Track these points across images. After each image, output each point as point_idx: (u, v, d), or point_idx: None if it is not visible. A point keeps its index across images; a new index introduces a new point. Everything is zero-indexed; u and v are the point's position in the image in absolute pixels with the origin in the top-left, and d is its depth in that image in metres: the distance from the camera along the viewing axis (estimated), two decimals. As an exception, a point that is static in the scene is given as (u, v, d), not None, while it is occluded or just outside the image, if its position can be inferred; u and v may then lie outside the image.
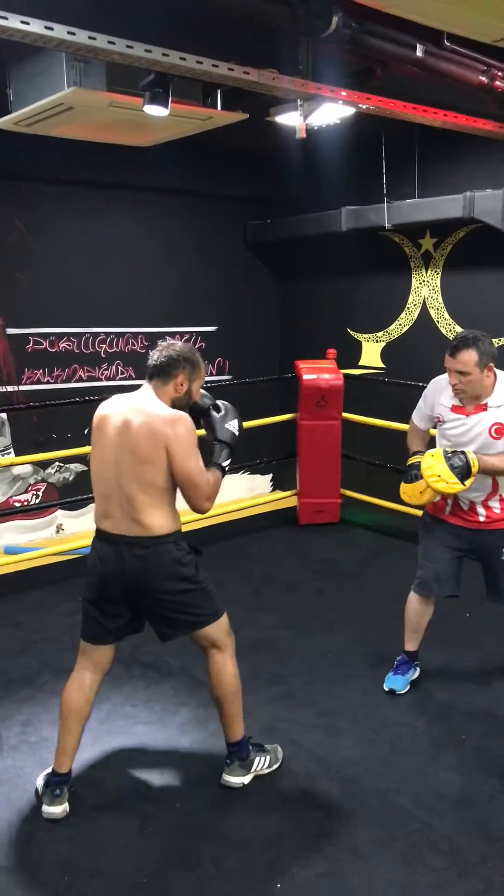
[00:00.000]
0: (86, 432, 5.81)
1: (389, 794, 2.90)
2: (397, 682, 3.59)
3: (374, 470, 5.95)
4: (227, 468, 2.72)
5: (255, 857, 2.59)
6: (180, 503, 2.66)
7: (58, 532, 6.07)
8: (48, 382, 5.87)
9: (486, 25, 2.69)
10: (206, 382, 6.78)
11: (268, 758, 3.01)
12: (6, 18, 2.33)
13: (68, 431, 5.82)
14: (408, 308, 6.09)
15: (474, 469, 3.03)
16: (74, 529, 6.07)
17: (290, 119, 3.82)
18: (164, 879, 2.50)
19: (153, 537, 2.61)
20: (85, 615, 2.81)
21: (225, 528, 5.97)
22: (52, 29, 2.41)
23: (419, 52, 2.88)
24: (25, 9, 2.38)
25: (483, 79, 3.13)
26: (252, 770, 2.95)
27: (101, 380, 6.09)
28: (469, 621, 4.31)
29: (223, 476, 2.71)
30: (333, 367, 5.92)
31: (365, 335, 6.43)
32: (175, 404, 2.66)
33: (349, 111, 3.62)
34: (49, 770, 2.84)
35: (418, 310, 6.01)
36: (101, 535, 2.70)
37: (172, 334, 6.39)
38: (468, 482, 3.04)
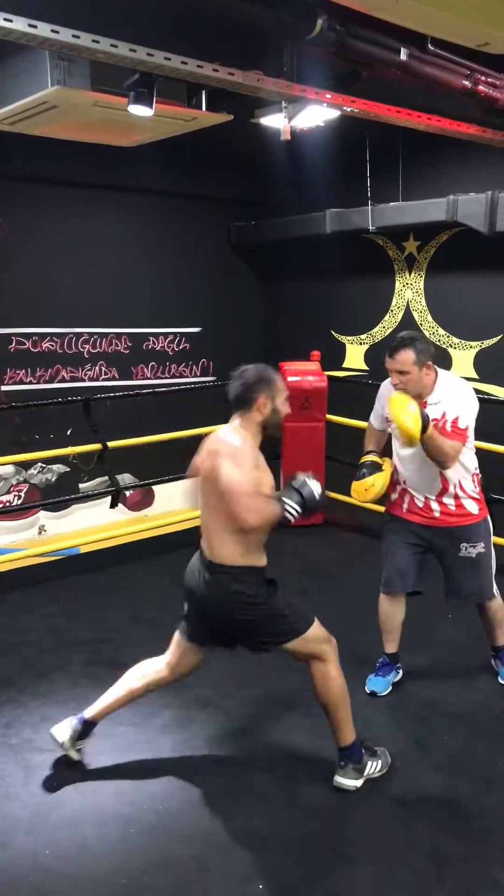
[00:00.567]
0: (70, 433, 5.81)
1: (372, 796, 2.90)
2: (378, 685, 3.61)
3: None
4: (287, 509, 2.67)
5: (237, 859, 2.58)
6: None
7: (40, 533, 6.04)
8: (31, 383, 5.84)
9: (468, 30, 2.71)
10: (192, 384, 6.77)
11: (379, 762, 3.01)
12: (-11, 16, 2.31)
13: (51, 432, 5.79)
14: (391, 311, 6.11)
15: (429, 430, 3.04)
16: (57, 531, 6.05)
17: (274, 121, 3.82)
18: (145, 882, 2.49)
19: (219, 565, 2.72)
20: (184, 609, 2.94)
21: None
22: (35, 27, 2.39)
23: (403, 56, 2.89)
24: (9, 6, 2.36)
25: (466, 83, 3.15)
26: (365, 774, 2.96)
27: (84, 380, 6.07)
28: (450, 623, 4.33)
29: (281, 513, 2.65)
30: (317, 368, 5.93)
31: (349, 337, 6.45)
32: (267, 425, 2.76)
33: (334, 114, 3.63)
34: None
35: (402, 312, 6.04)
36: (198, 551, 2.88)
37: (157, 335, 6.42)
38: (417, 437, 3.02)
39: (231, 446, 2.66)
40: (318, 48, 2.77)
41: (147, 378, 6.37)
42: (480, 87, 3.20)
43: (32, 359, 5.81)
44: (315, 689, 2.88)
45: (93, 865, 2.55)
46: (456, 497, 3.36)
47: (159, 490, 6.31)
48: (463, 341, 5.64)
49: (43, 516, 6.04)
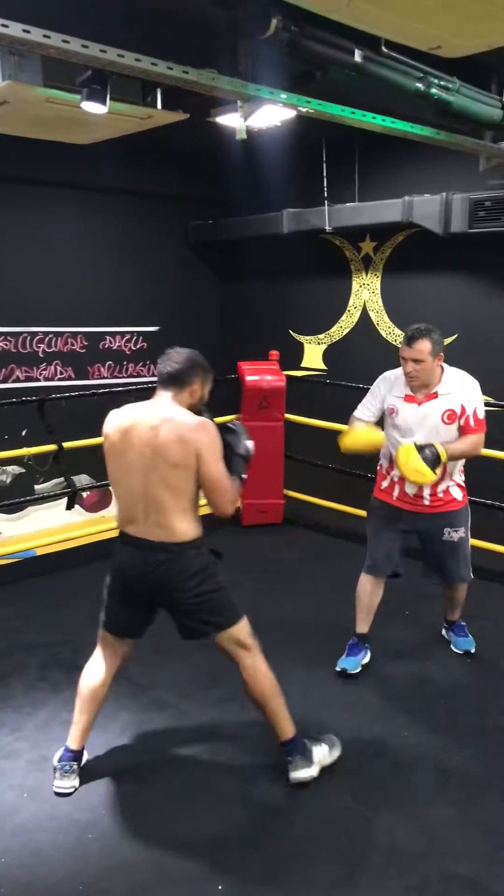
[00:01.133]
0: (25, 434, 5.72)
1: (330, 792, 2.92)
2: (349, 663, 3.73)
3: (316, 470, 5.99)
4: (243, 479, 2.82)
5: (196, 860, 2.57)
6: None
7: (-5, 536, 5.94)
8: (-16, 382, 5.74)
9: (421, 33, 2.74)
10: (150, 384, 6.75)
11: (326, 747, 3.03)
12: None
13: (5, 433, 5.70)
14: (349, 311, 6.15)
15: (443, 459, 3.29)
16: (12, 533, 5.95)
17: (230, 120, 3.82)
18: (102, 887, 2.46)
19: (178, 543, 2.71)
20: (106, 608, 2.93)
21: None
22: (-15, 21, 2.34)
23: (357, 58, 2.90)
24: (-43, -1, 2.31)
25: (420, 85, 3.18)
26: (316, 761, 2.95)
27: (39, 380, 5.99)
28: (405, 620, 4.38)
29: (240, 486, 2.80)
30: (276, 368, 5.94)
31: (307, 337, 6.47)
32: (191, 410, 2.76)
33: (290, 114, 3.64)
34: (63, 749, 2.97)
35: (359, 312, 6.08)
36: (125, 539, 2.81)
37: (113, 334, 6.37)
38: (438, 470, 3.32)
39: (204, 432, 2.66)
40: (273, 48, 2.77)
41: (104, 377, 6.30)
42: (433, 90, 3.24)
43: (-14, 358, 5.72)
44: (246, 684, 2.90)
45: (48, 872, 2.52)
46: (446, 486, 3.56)
47: (117, 491, 6.26)
48: (419, 341, 5.69)
49: (-2, 518, 5.95)
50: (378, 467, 3.78)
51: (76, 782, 2.92)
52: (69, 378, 6.08)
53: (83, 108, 3.05)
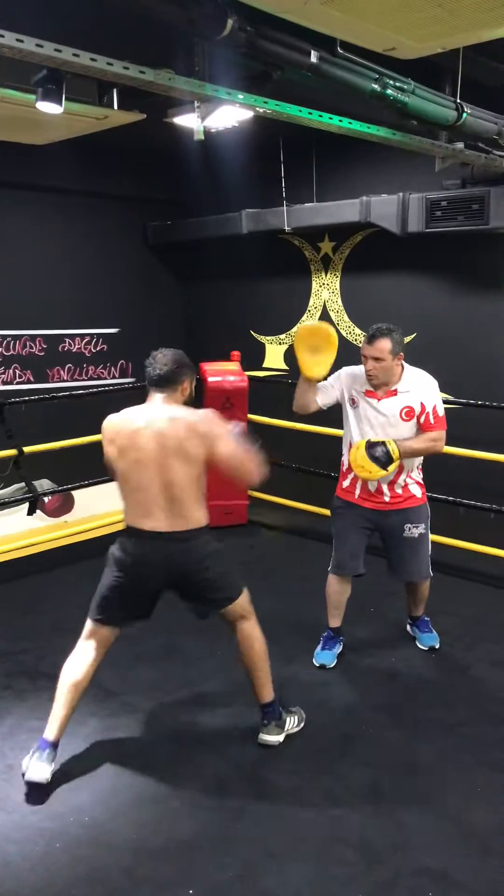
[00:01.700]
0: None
1: (301, 791, 2.92)
2: (326, 657, 3.84)
3: (279, 471, 5.99)
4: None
5: (167, 865, 2.56)
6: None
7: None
8: None
9: (376, 35, 2.76)
10: (111, 386, 6.67)
11: (296, 717, 3.30)
12: None
13: (-36, 438, 5.59)
14: (309, 311, 6.18)
15: (395, 456, 3.42)
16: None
17: (187, 121, 3.80)
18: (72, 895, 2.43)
19: (194, 530, 2.91)
20: (104, 600, 3.00)
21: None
22: None
23: (314, 58, 2.91)
24: None
25: (375, 86, 3.20)
26: (285, 729, 3.22)
27: (-3, 384, 5.90)
28: (373, 613, 4.42)
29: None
30: (238, 369, 5.94)
31: (268, 337, 6.49)
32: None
33: (247, 114, 3.64)
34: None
35: (319, 312, 6.11)
36: (140, 533, 2.92)
37: (73, 336, 6.30)
38: (391, 468, 3.44)
39: (213, 421, 2.87)
40: (229, 49, 2.77)
41: (64, 380, 6.23)
42: (389, 91, 3.27)
43: None
44: (240, 648, 3.12)
45: (17, 884, 2.48)
46: (405, 483, 3.66)
47: (79, 495, 6.19)
48: (379, 340, 5.74)
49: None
50: (341, 465, 3.83)
51: (49, 774, 2.90)
52: (28, 381, 6.00)
53: (38, 109, 3.02)
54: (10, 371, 5.96)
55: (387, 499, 3.66)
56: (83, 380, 6.37)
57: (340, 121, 3.42)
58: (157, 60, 2.83)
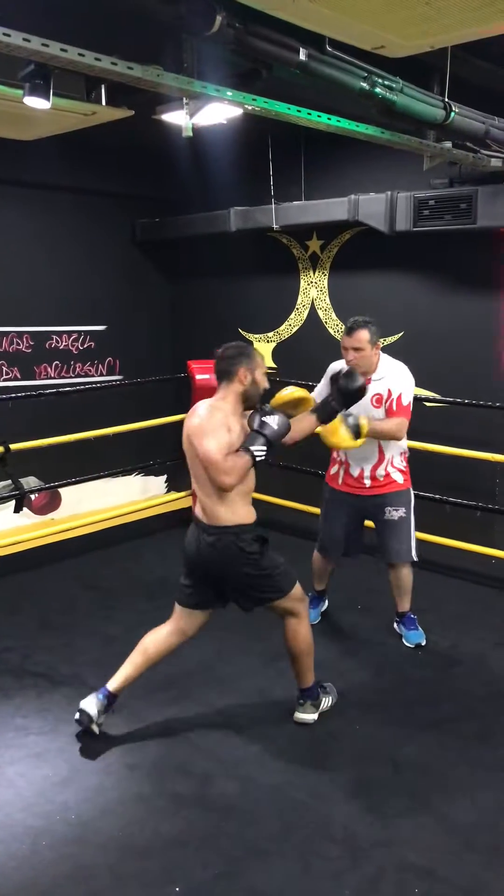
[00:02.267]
0: None
1: (286, 787, 2.93)
2: (311, 614, 3.94)
3: (267, 468, 5.99)
4: (256, 454, 2.95)
5: (152, 863, 2.56)
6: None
7: None
8: None
9: (364, 33, 2.76)
10: (98, 384, 6.65)
11: (330, 697, 3.45)
12: None
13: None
14: (297, 309, 6.18)
15: (363, 431, 3.55)
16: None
17: (176, 118, 3.79)
18: (58, 895, 2.42)
19: (218, 527, 3.01)
20: (181, 582, 3.19)
21: (119, 531, 5.87)
22: None
23: (302, 56, 2.91)
24: None
25: (364, 84, 3.21)
26: (320, 708, 3.38)
27: (-17, 381, 5.87)
28: (360, 610, 4.43)
29: (253, 461, 2.95)
30: (225, 366, 5.92)
31: (256, 335, 6.48)
32: (247, 396, 3.02)
33: (236, 111, 3.63)
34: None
35: (307, 310, 6.12)
36: (193, 519, 3.14)
37: (60, 333, 6.27)
38: (359, 441, 3.57)
39: (199, 418, 2.97)
40: (218, 45, 2.76)
41: (51, 377, 6.20)
42: (378, 89, 3.27)
43: None
44: (286, 640, 3.24)
45: (2, 882, 2.47)
46: (386, 471, 3.89)
47: (66, 493, 6.18)
48: (366, 338, 5.75)
49: None
50: (332, 451, 4.04)
51: (96, 711, 3.15)
52: (15, 378, 5.97)
53: (25, 104, 3.00)
54: (-3, 368, 5.93)
55: (367, 484, 3.91)
56: (70, 377, 6.34)
57: (329, 118, 3.42)
58: (145, 57, 2.82)
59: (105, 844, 2.64)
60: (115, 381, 6.60)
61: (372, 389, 3.76)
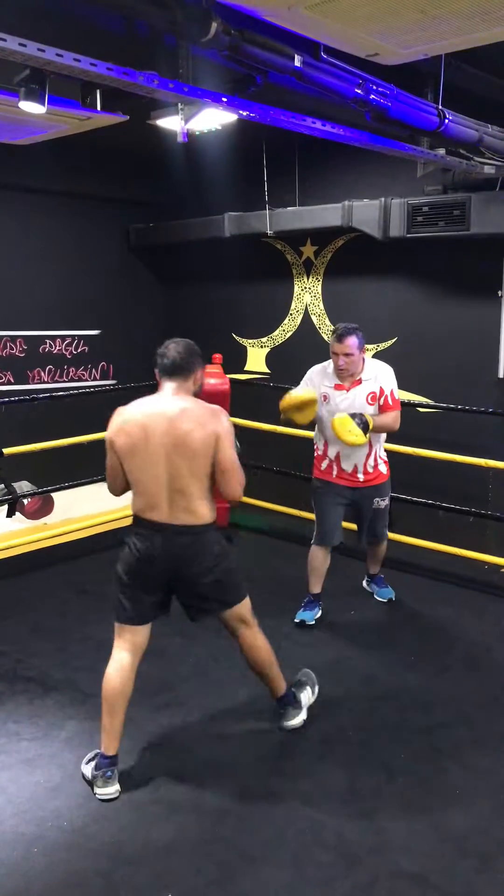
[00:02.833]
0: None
1: (279, 794, 2.92)
2: (307, 615, 4.31)
3: (260, 474, 6.00)
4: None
5: (145, 870, 2.54)
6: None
7: None
8: None
9: (359, 40, 2.77)
10: (92, 388, 6.64)
11: (308, 689, 3.43)
12: None
13: None
14: (291, 314, 6.19)
15: (370, 426, 3.91)
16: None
17: (170, 123, 3.79)
18: (50, 901, 2.41)
19: (200, 525, 2.91)
20: (122, 600, 2.98)
21: (112, 536, 5.85)
22: None
23: (297, 63, 2.92)
24: None
25: (359, 91, 3.22)
26: (304, 706, 3.35)
27: (-23, 385, 5.85)
28: (353, 615, 4.43)
29: None
30: (219, 371, 5.92)
31: (250, 340, 6.49)
32: (194, 396, 2.97)
33: (231, 117, 3.64)
34: (93, 755, 3.00)
35: (301, 316, 6.13)
36: (146, 524, 2.91)
37: (53, 338, 6.26)
38: (368, 436, 3.92)
39: (219, 422, 2.87)
40: (214, 51, 2.77)
41: (44, 382, 6.19)
42: (372, 96, 3.28)
43: None
44: (247, 654, 3.16)
45: (-7, 889, 2.45)
46: (375, 463, 4.19)
47: (59, 497, 6.16)
48: (360, 344, 5.77)
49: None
50: (315, 450, 4.30)
51: (118, 787, 2.90)
52: (8, 382, 5.96)
53: (21, 109, 3.00)
54: (-10, 372, 5.92)
55: (361, 477, 4.18)
56: (64, 381, 6.34)
57: (323, 125, 3.43)
58: (141, 62, 2.82)
59: (97, 851, 2.63)
60: (109, 385, 6.59)
61: (365, 389, 4.07)
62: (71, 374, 6.39)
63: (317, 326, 6.02)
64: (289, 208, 5.70)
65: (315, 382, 4.17)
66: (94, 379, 6.55)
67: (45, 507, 6.27)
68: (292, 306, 6.17)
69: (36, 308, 6.09)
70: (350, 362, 4.00)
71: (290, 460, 5.75)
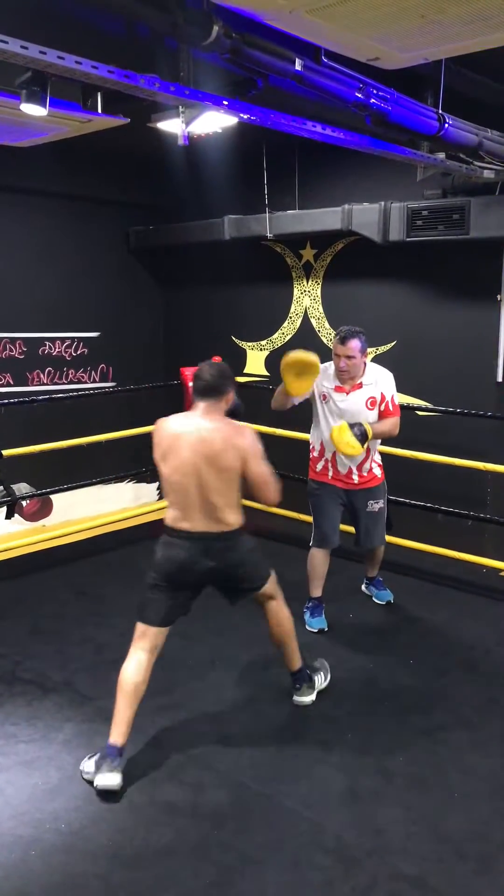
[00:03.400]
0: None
1: (277, 796, 2.92)
2: (321, 623, 4.31)
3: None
4: None
5: (144, 872, 2.54)
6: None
7: None
8: None
9: (360, 44, 2.78)
10: (91, 390, 6.64)
11: (322, 673, 3.64)
12: None
13: None
14: (290, 317, 6.20)
15: (369, 436, 3.93)
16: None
17: (171, 126, 3.80)
18: (48, 904, 2.41)
19: (231, 532, 3.10)
20: (150, 602, 3.11)
21: (111, 538, 5.86)
22: None
23: (298, 67, 2.93)
24: None
25: (359, 95, 3.23)
26: (316, 688, 3.57)
27: (-24, 387, 5.85)
28: (352, 619, 4.43)
29: None
30: (218, 374, 5.93)
31: (249, 343, 6.50)
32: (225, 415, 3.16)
33: (231, 120, 3.65)
34: (93, 754, 3.03)
35: (300, 319, 6.13)
36: (180, 534, 3.09)
37: (53, 340, 6.27)
38: (366, 445, 3.95)
39: (247, 436, 3.08)
40: (215, 54, 2.77)
41: (44, 384, 6.19)
42: (373, 100, 3.29)
43: None
44: (271, 627, 3.37)
45: (-8, 891, 2.45)
46: (370, 466, 4.21)
47: (58, 499, 6.16)
48: (359, 347, 5.77)
49: None
50: (311, 451, 4.33)
51: (121, 779, 2.93)
52: (7, 384, 5.96)
53: (23, 111, 3.00)
54: (-10, 374, 5.92)
55: (356, 480, 4.21)
56: (63, 383, 6.34)
57: (324, 129, 3.44)
58: (141, 65, 2.83)
59: (96, 853, 2.62)
60: (108, 387, 6.60)
61: (366, 393, 4.09)
62: (70, 376, 6.40)
63: (316, 329, 6.03)
64: (289, 211, 5.71)
65: (316, 381, 4.12)
66: (94, 381, 6.55)
67: (44, 509, 6.27)
68: (292, 309, 6.17)
69: (36, 310, 6.09)
70: (351, 365, 4.01)
71: (288, 463, 5.74)
